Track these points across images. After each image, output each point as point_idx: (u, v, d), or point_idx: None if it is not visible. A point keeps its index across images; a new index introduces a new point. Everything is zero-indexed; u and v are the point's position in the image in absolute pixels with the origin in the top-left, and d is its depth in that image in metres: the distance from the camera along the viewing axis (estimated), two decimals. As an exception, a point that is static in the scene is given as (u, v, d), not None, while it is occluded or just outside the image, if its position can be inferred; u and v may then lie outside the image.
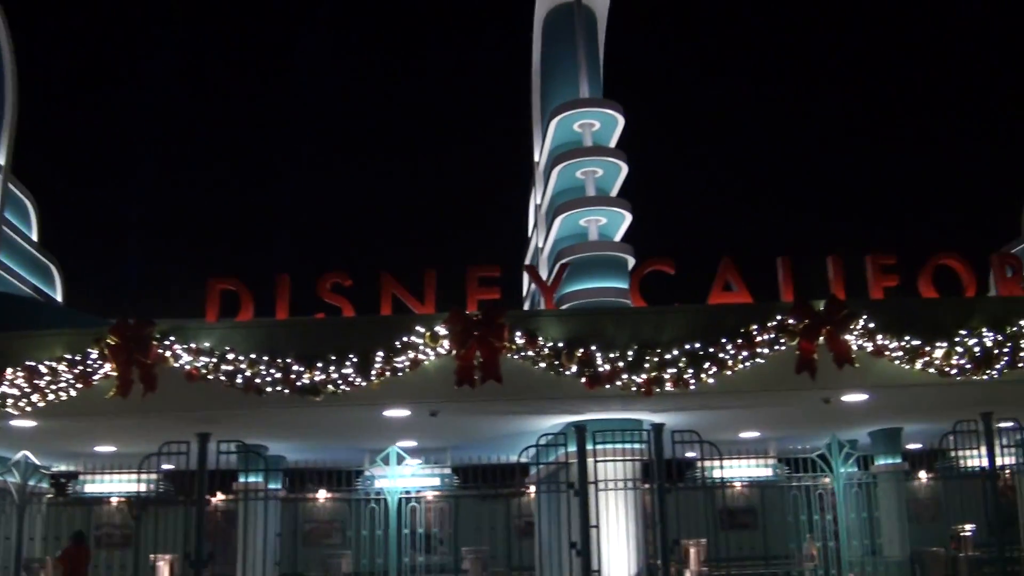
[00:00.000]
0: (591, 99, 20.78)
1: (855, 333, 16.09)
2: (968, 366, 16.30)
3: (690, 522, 19.31)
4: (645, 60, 61.61)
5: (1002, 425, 19.64)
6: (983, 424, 18.54)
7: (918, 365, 16.30)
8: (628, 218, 20.34)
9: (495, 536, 22.49)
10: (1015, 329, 16.63)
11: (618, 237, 20.77)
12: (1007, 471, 23.74)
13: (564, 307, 19.44)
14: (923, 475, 26.35)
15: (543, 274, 21.22)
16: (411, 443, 21.85)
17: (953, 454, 19.72)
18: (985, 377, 16.48)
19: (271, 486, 23.23)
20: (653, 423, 17.99)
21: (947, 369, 16.30)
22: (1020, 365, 16.61)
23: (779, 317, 16.08)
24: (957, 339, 16.32)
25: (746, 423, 21.03)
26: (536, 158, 23.43)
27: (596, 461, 17.52)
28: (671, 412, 18.17)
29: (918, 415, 20.44)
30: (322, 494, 25.43)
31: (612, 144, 21.13)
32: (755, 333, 15.97)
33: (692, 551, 21.41)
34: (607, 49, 24.03)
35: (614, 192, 21.11)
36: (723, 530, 26.00)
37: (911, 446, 25.54)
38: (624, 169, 20.62)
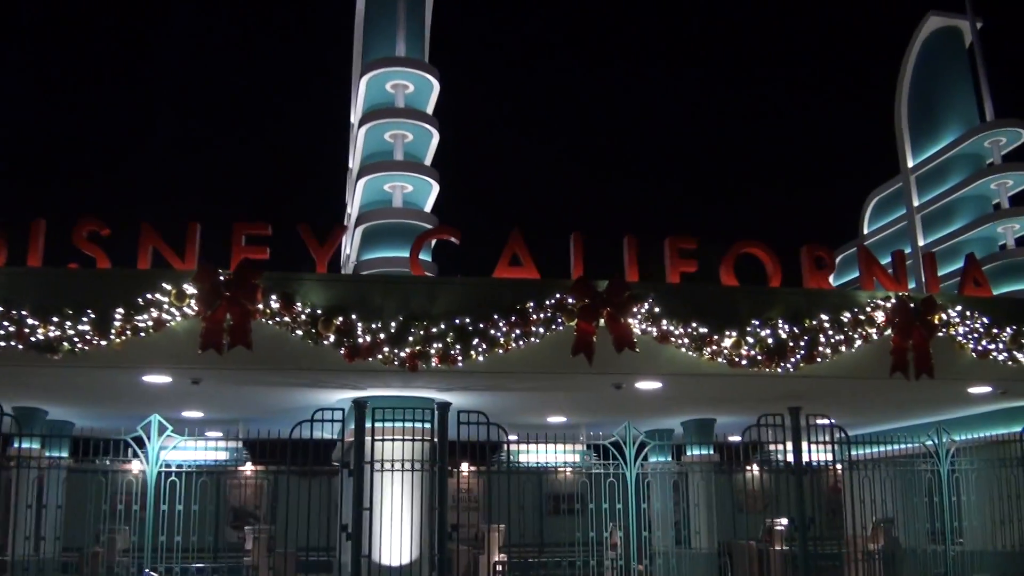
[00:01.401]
0: (406, 59, 18.40)
1: (639, 317, 13.98)
2: (759, 357, 14.35)
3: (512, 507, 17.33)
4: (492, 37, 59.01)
5: (821, 422, 18.03)
6: (790, 418, 16.88)
7: (706, 353, 14.29)
8: (435, 187, 18.05)
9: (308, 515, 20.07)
10: (815, 323, 14.75)
11: (427, 207, 18.44)
12: (836, 467, 22.51)
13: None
14: (754, 467, 24.80)
15: (347, 241, 18.87)
16: (197, 414, 19.31)
17: (773, 447, 18.03)
18: (779, 370, 14.59)
19: (55, 454, 20.50)
20: (438, 402, 15.83)
21: (736, 359, 14.33)
22: (818, 360, 14.73)
23: (558, 295, 13.90)
24: (749, 329, 14.32)
25: (548, 407, 18.95)
26: (352, 118, 20.99)
27: (374, 440, 15.61)
28: (463, 392, 16.02)
29: (726, 406, 18.61)
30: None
31: (428, 110, 18.77)
32: (531, 311, 13.77)
33: (492, 536, 19.18)
34: (447, 17, 21.73)
35: (427, 160, 18.76)
36: (550, 515, 24.15)
37: (734, 438, 23.86)
38: (435, 136, 18.33)
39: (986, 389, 17.62)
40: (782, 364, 14.52)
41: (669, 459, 21.41)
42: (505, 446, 21.51)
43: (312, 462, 16.28)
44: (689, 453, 20.67)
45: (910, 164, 23.43)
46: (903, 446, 20.19)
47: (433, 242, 17.71)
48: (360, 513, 15.38)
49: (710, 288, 14.99)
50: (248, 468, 20.96)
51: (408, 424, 15.65)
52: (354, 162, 19.95)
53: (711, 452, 20.42)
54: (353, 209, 19.07)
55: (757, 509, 28.53)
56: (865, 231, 25.14)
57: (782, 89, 58.93)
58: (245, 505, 23.79)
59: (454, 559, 19.14)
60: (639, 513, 16.65)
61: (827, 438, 17.43)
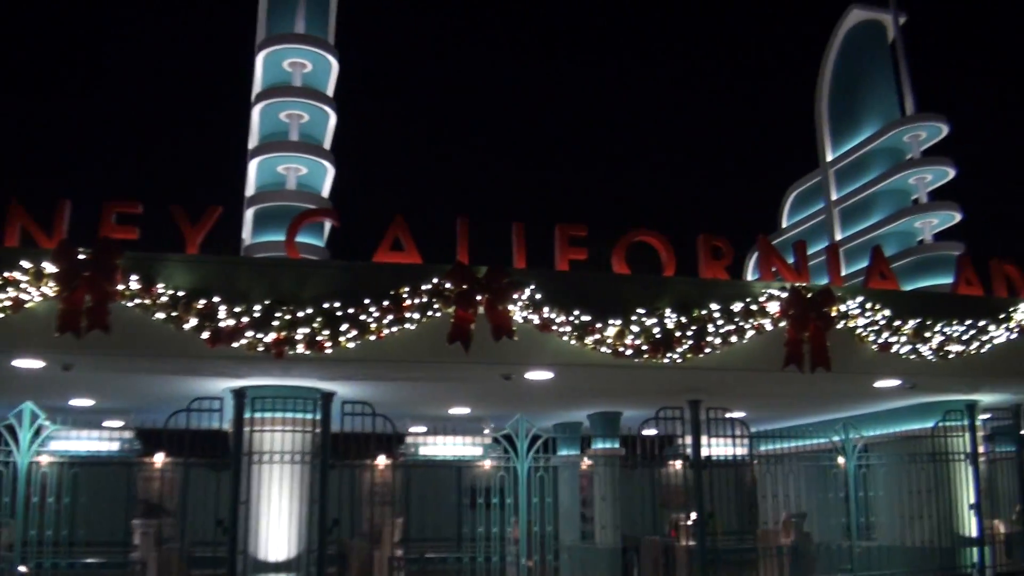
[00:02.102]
0: (304, 36, 17.51)
1: (520, 304, 13.18)
2: (644, 347, 13.59)
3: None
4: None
5: (732, 415, 17.47)
6: (690, 411, 16.24)
7: (589, 342, 13.50)
8: (331, 171, 17.16)
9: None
10: (703, 312, 13.98)
11: (324, 190, 17.57)
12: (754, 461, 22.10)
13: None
14: (678, 462, 24.20)
15: (247, 223, 17.94)
16: (88, 402, 18.30)
17: (681, 441, 17.40)
18: (666, 360, 13.82)
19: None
20: (322, 392, 15.01)
21: (621, 349, 13.56)
22: (707, 351, 14.00)
23: (435, 280, 13.07)
24: (634, 318, 13.57)
25: (449, 398, 18.17)
26: (252, 98, 20.08)
27: (252, 431, 14.85)
28: (348, 381, 15.18)
29: (628, 399, 17.95)
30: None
31: (328, 91, 17.88)
32: (405, 296, 12.93)
33: (386, 530, 18.36)
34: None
35: (326, 143, 17.88)
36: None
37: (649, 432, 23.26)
38: (332, 117, 17.42)
39: (894, 383, 17.04)
40: (669, 355, 13.78)
41: (579, 452, 20.73)
42: (405, 439, 20.92)
43: (213, 453, 15.47)
44: (595, 446, 19.93)
45: (829, 158, 22.86)
46: (812, 442, 19.63)
47: (327, 227, 16.90)
48: (236, 507, 14.58)
49: (595, 276, 14.25)
50: (141, 460, 19.94)
51: (290, 415, 14.90)
52: (252, 143, 19.03)
53: (616, 446, 19.63)
54: (248, 191, 18.18)
55: (678, 504, 28.04)
56: (784, 224, 24.56)
57: (706, 81, 58.30)
58: (157, 498, 22.82)
59: (350, 554, 18.33)
60: (529, 507, 15.87)
61: (728, 432, 16.79)
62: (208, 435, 15.45)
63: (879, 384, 17.09)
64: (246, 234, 18.44)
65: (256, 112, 17.29)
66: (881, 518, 20.00)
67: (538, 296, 13.29)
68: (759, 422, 22.21)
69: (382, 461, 19.29)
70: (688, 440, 16.92)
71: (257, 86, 18.12)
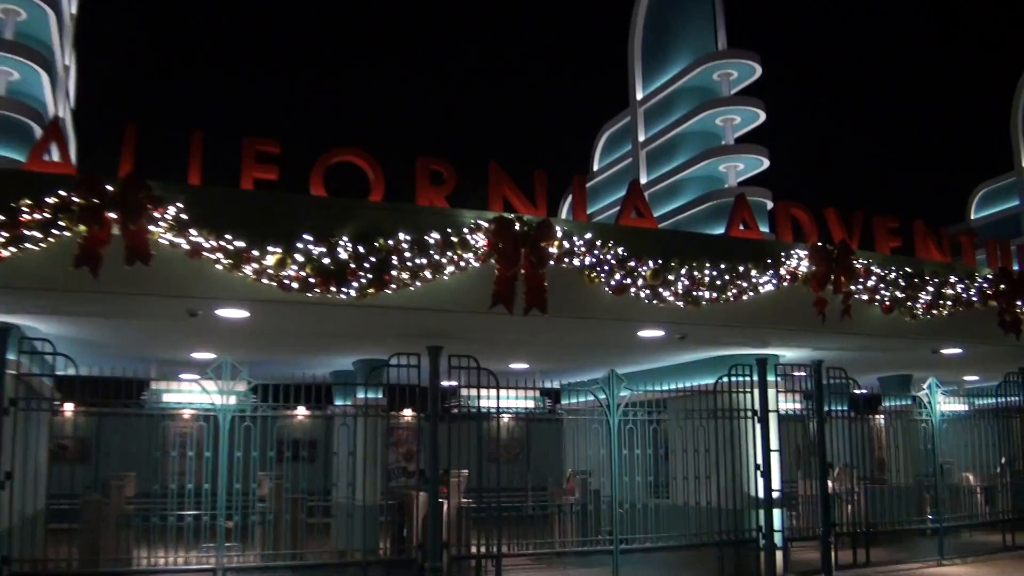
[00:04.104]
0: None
1: (163, 224, 11.23)
2: (312, 280, 11.69)
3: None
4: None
5: (515, 366, 15.66)
6: (430, 358, 14.47)
7: (248, 272, 11.58)
8: (44, 76, 15.02)
9: None
10: (389, 242, 12.10)
11: (48, 99, 15.46)
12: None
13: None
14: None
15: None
16: None
17: (467, 393, 15.63)
18: (342, 296, 11.95)
19: None
20: (-1, 324, 13.07)
21: (286, 280, 11.66)
22: (393, 286, 12.15)
23: (62, 193, 11.05)
24: (300, 245, 11.68)
25: (188, 341, 16.19)
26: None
27: None
28: (34, 316, 13.19)
29: (366, 343, 16.18)
30: None
31: (57, -8, 15.70)
32: (25, 211, 10.90)
33: (115, 484, 16.55)
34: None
35: (56, 47, 15.75)
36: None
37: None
38: (52, 17, 15.26)
39: (657, 333, 15.37)
40: (344, 289, 11.90)
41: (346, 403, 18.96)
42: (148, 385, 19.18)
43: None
44: (359, 396, 18.08)
45: (639, 96, 20.98)
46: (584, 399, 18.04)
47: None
48: None
49: (259, 194, 12.21)
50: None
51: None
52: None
53: (380, 396, 17.77)
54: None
55: (509, 458, 26.56)
56: (596, 167, 22.75)
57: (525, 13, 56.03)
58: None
59: (84, 509, 16.43)
60: (231, 460, 14.05)
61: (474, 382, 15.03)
62: None
63: (643, 333, 15.44)
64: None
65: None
66: (674, 477, 18.53)
67: (184, 216, 11.32)
68: (553, 375, 20.62)
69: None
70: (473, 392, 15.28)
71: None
